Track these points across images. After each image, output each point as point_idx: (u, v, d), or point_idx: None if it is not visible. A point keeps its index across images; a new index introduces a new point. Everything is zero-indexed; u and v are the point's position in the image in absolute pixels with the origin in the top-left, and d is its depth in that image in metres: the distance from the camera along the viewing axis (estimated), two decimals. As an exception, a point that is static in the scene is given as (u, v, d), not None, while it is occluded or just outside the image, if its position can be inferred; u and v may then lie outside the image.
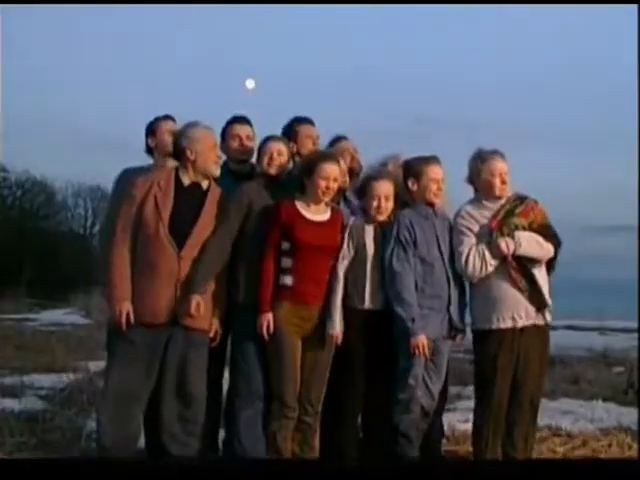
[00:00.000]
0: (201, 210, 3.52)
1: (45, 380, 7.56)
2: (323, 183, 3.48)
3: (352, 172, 3.99)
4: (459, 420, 5.08)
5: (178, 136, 3.61)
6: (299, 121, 4.01)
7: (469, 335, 3.83)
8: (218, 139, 3.76)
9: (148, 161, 3.98)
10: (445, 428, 4.19)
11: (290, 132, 3.98)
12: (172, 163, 3.61)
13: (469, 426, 4.12)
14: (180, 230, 3.46)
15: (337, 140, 4.14)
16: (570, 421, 5.45)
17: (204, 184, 3.58)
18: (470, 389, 4.38)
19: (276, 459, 3.42)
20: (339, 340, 3.51)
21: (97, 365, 9.36)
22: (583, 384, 7.37)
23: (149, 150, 3.96)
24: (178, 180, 3.55)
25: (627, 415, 5.68)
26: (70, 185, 36.39)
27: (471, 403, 4.27)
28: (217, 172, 3.58)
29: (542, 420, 4.44)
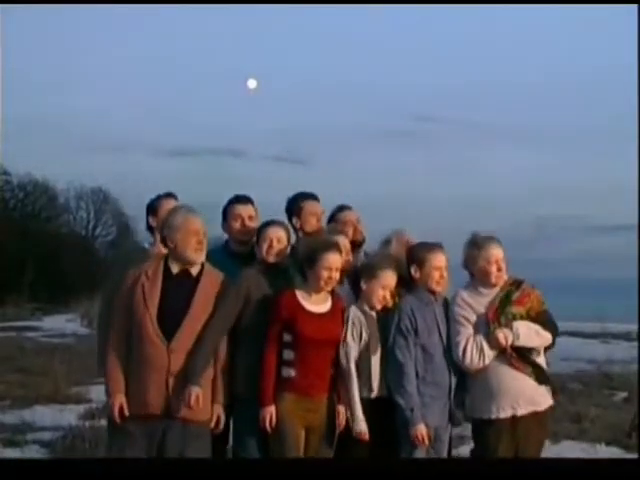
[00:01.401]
0: (192, 299, 3.44)
1: (47, 415, 7.56)
2: (325, 273, 3.44)
3: (355, 244, 3.96)
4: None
5: (161, 224, 3.57)
6: (304, 197, 3.98)
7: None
8: (207, 225, 3.62)
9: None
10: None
11: (294, 208, 3.94)
12: (164, 250, 3.55)
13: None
14: (170, 321, 3.39)
15: (340, 210, 4.11)
16: (573, 472, 5.43)
17: (194, 270, 3.49)
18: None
19: (277, 459, 3.41)
20: (366, 437, 3.47)
21: (98, 392, 9.36)
22: (585, 423, 7.33)
23: (150, 228, 3.92)
24: (168, 268, 3.49)
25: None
26: (72, 187, 36.39)
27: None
28: (199, 259, 3.48)
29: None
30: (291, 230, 3.79)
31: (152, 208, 3.91)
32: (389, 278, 3.56)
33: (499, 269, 3.64)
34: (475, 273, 3.69)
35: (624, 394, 10.01)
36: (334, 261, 3.44)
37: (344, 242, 3.72)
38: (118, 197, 36.56)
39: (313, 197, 4.01)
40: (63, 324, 21.87)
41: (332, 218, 4.08)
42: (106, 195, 37.20)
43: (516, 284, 3.69)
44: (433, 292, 3.66)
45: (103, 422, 5.82)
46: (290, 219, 3.94)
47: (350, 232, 3.96)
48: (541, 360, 3.69)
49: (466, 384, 3.67)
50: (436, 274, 3.62)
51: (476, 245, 3.67)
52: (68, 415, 7.59)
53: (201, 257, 3.49)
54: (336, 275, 3.46)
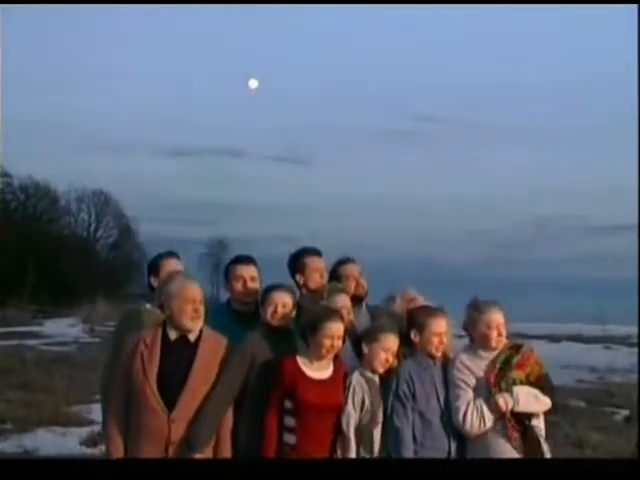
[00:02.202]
0: (191, 367, 3.40)
1: (49, 440, 7.59)
2: (327, 342, 3.43)
3: (357, 298, 3.95)
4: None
5: (159, 290, 3.57)
6: (306, 254, 3.97)
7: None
8: (198, 293, 3.51)
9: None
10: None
11: (297, 265, 3.94)
12: (162, 315, 3.53)
13: None
14: (170, 390, 3.36)
15: (341, 263, 4.09)
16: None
17: (192, 336, 3.47)
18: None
19: (276, 459, 3.40)
20: None
21: (99, 412, 9.36)
22: (587, 449, 7.34)
23: (152, 288, 3.90)
24: (166, 334, 3.46)
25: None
26: (73, 189, 36.50)
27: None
28: (195, 327, 3.45)
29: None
30: (296, 292, 3.77)
31: (153, 267, 3.89)
32: (391, 341, 3.55)
33: (499, 334, 3.63)
34: (475, 337, 3.68)
35: (626, 412, 10.05)
36: (336, 330, 3.43)
37: (345, 302, 3.70)
38: (119, 198, 36.74)
39: (315, 252, 4.00)
40: (64, 329, 21.90)
41: (334, 271, 4.07)
42: (107, 197, 37.32)
43: (515, 348, 3.68)
44: (432, 356, 3.65)
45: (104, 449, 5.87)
46: (293, 276, 3.94)
47: (352, 286, 3.96)
48: (539, 423, 3.68)
49: (466, 449, 3.65)
50: (435, 340, 3.61)
51: (477, 309, 3.66)
52: (70, 440, 7.62)
53: (198, 325, 3.46)
54: (338, 343, 3.45)
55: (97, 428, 7.82)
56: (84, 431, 7.98)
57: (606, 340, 26.41)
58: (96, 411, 9.63)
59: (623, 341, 27.30)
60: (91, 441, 7.43)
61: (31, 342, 18.46)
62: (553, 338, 27.09)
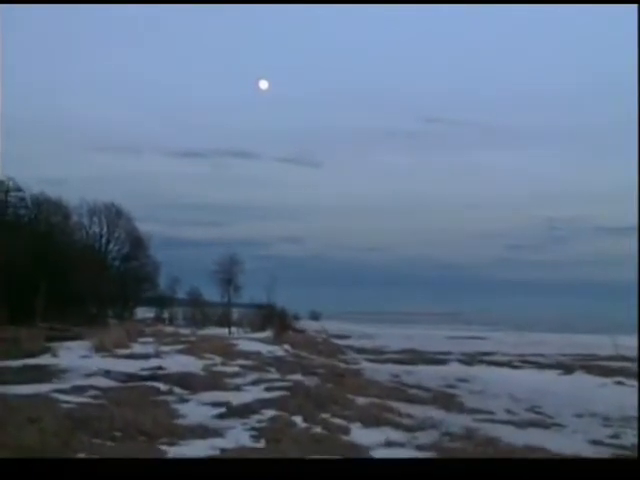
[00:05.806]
0: None
1: None
2: None
3: None
4: None
5: None
6: None
7: None
8: None
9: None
10: None
11: None
12: None
13: None
14: None
15: None
16: None
17: None
18: None
19: (275, 459, 3.39)
20: None
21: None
22: None
23: None
24: None
25: None
26: (85, 203, 36.43)
27: None
28: None
29: None
30: None
31: None
32: None
33: None
34: None
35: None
36: None
37: None
38: (129, 199, 36.96)
39: None
40: (78, 363, 21.87)
41: None
42: (118, 210, 37.28)
43: None
44: None
45: None
46: None
47: None
48: None
49: None
50: None
51: None
52: None
53: None
54: None
55: None
56: None
57: (620, 371, 26.14)
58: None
59: (635, 369, 27.08)
60: None
61: (46, 388, 18.41)
62: (566, 367, 26.93)
